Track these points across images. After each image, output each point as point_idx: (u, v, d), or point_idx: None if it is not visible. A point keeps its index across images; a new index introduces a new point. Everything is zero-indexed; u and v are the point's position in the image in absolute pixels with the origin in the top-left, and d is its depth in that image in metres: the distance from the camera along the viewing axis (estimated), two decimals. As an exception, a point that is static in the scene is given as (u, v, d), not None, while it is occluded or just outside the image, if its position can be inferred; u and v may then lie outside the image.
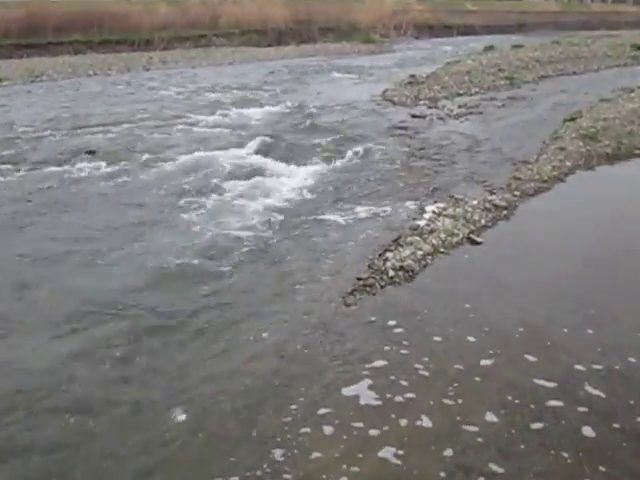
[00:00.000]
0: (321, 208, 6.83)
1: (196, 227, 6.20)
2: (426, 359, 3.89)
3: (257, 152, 9.15)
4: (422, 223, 6.21)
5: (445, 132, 10.42)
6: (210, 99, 14.25)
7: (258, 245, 5.80)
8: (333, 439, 3.24)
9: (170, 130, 10.92)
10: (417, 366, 3.82)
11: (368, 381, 3.69)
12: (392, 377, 3.72)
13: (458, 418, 3.37)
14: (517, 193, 7.06)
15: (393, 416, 3.40)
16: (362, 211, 6.68)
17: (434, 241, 5.71)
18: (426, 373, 3.76)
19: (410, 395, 3.57)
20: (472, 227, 6.09)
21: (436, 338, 4.14)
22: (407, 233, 5.93)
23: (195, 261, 5.34)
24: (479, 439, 3.22)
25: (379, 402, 3.52)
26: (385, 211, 6.68)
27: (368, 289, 4.85)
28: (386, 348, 4.02)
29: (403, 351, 3.99)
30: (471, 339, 4.12)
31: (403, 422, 3.35)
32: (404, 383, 3.67)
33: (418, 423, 3.34)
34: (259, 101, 13.81)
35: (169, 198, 7.20)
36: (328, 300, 4.69)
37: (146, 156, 9.09)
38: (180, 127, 11.17)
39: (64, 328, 4.33)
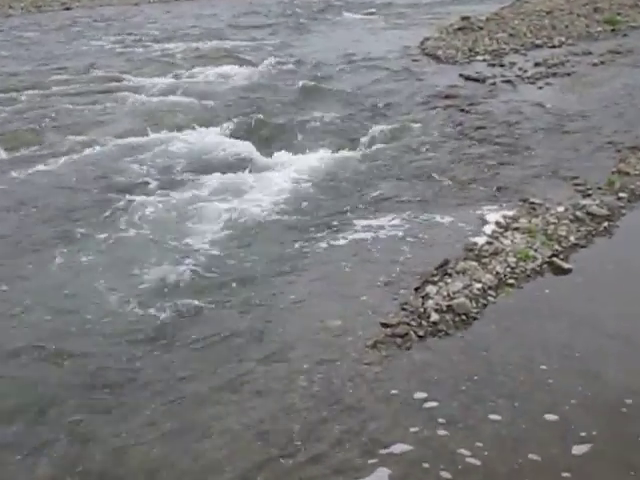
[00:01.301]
0: (326, 217, 6.93)
1: (134, 250, 6.29)
2: (479, 445, 3.92)
3: (233, 134, 9.26)
4: (481, 240, 6.25)
5: (515, 103, 10.51)
6: (162, 53, 14.44)
7: (230, 273, 5.88)
8: None
9: (101, 100, 11.07)
10: (463, 452, 3.85)
11: (393, 473, 3.72)
12: (426, 465, 3.76)
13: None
14: (623, 195, 7.11)
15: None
16: (389, 222, 6.77)
17: (499, 268, 5.74)
18: (477, 462, 3.80)
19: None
20: (556, 247, 6.13)
21: (496, 417, 4.16)
22: (458, 256, 5.98)
23: (138, 305, 5.41)
24: None
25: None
26: (424, 222, 6.75)
27: (399, 341, 4.88)
28: (423, 429, 4.05)
29: (444, 432, 4.02)
30: (551, 417, 4.13)
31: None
32: (447, 476, 3.71)
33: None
34: (235, 57, 13.98)
35: (93, 204, 7.32)
36: (339, 357, 4.73)
37: (64, 139, 9.22)
38: (116, 95, 11.32)
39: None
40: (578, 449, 3.89)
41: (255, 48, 14.86)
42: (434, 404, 4.26)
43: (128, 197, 7.43)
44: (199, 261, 6.11)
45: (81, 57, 14.15)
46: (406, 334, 4.93)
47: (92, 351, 4.93)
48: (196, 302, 5.47)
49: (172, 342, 5.01)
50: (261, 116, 9.97)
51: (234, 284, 5.77)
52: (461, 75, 12.22)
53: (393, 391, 4.40)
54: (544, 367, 4.59)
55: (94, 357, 4.87)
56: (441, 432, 4.03)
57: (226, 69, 12.91)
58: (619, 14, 16.88)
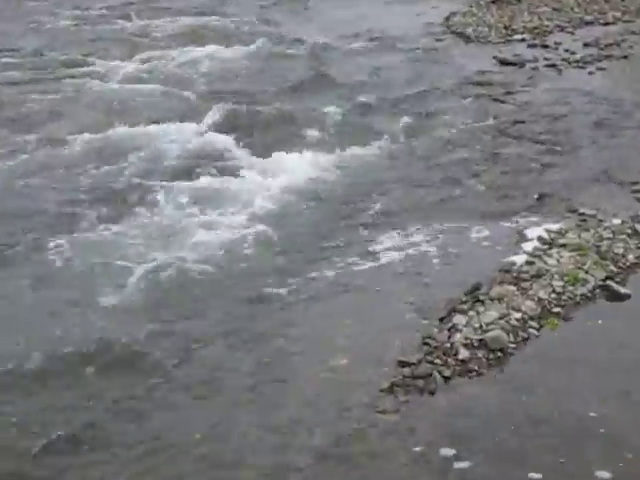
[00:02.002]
0: (333, 231, 6.97)
1: (85, 283, 6.26)
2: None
3: (217, 130, 9.25)
4: (520, 260, 6.27)
5: (561, 92, 10.53)
6: (131, 31, 14.44)
7: (215, 303, 5.92)
8: None
9: (57, 88, 11.04)
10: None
11: None
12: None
13: None
14: (695, 204, 7.13)
15: None
16: (408, 237, 6.80)
17: (542, 294, 5.75)
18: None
19: None
20: (611, 267, 6.13)
21: (539, 476, 4.14)
22: (493, 279, 6.00)
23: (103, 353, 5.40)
24: None
25: None
26: (451, 237, 6.78)
27: (420, 383, 4.88)
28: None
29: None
30: (604, 475, 4.14)
31: None
32: None
33: None
34: (221, 35, 13.96)
35: (36, 218, 7.30)
36: (347, 403, 4.74)
37: (10, 136, 9.20)
38: (76, 83, 11.29)
39: None
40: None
41: (245, 25, 14.83)
42: (464, 463, 4.25)
43: (81, 210, 7.43)
44: (179, 291, 6.16)
45: (33, 36, 14.14)
46: (429, 375, 4.94)
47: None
48: (183, 337, 5.52)
49: (156, 384, 5.06)
50: (252, 108, 9.96)
51: (220, 315, 5.82)
52: (495, 58, 12.23)
53: (415, 447, 4.39)
54: (594, 414, 4.59)
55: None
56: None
57: (209, 51, 12.85)
58: (688, -18, 16.89)
